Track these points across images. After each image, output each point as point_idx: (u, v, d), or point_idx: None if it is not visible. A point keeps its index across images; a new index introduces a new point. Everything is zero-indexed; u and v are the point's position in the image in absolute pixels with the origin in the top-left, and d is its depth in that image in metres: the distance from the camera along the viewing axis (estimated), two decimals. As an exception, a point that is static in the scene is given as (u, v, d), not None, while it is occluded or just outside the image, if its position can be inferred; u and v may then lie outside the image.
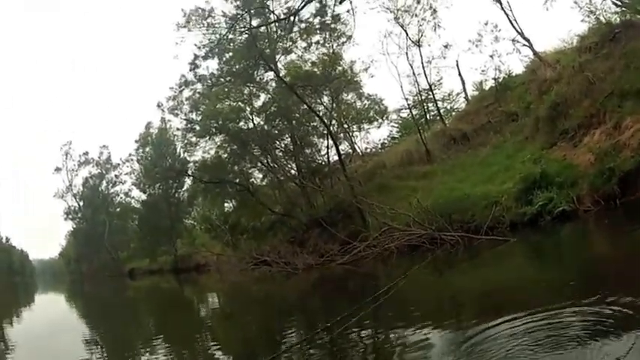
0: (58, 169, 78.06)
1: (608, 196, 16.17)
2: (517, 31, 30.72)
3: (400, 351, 7.50)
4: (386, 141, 47.69)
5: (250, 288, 26.39)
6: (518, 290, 9.78)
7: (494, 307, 8.57)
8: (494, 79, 35.88)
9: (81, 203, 79.26)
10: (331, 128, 35.57)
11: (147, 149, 59.86)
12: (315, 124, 36.71)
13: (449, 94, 46.23)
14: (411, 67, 38.86)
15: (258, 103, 38.49)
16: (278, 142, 38.84)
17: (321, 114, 35.15)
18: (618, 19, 25.01)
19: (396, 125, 48.18)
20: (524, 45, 31.21)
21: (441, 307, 10.71)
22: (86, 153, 77.76)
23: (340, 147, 37.06)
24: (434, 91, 41.96)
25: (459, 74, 40.89)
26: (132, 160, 65.95)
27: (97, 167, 77.70)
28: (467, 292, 11.35)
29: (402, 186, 28.94)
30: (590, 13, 28.67)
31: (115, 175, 76.49)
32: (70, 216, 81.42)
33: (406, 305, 10.90)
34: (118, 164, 74.92)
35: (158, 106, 39.68)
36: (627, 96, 18.02)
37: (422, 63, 38.30)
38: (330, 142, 35.56)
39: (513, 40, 32.09)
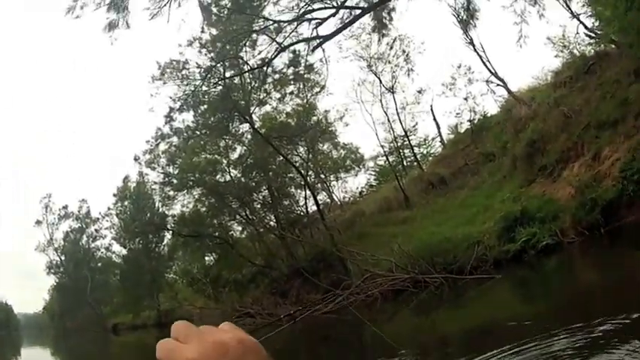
0: (38, 222, 76.82)
1: (591, 226, 16.05)
2: (491, 71, 31.14)
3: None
4: (364, 189, 47.48)
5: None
6: (501, 324, 9.70)
7: (478, 342, 8.38)
8: (470, 120, 36.19)
9: (62, 258, 78.11)
10: (308, 179, 35.61)
11: (125, 203, 59.40)
12: (292, 175, 36.65)
13: (425, 139, 46.34)
14: (386, 114, 39.18)
15: (234, 156, 38.50)
16: (256, 195, 38.60)
17: (297, 165, 35.16)
18: (592, 51, 25.32)
19: (374, 173, 48.19)
20: (498, 85, 31.65)
21: (426, 344, 10.49)
22: (65, 207, 76.43)
23: (318, 197, 37.06)
24: (409, 137, 42.17)
25: (434, 119, 41.10)
26: (111, 214, 65.17)
27: (77, 221, 76.58)
28: (451, 330, 11.19)
29: (382, 233, 28.65)
30: (563, 47, 29.13)
31: (95, 230, 74.92)
32: (52, 270, 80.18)
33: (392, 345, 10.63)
34: (98, 218, 73.33)
35: (135, 159, 39.36)
36: (604, 126, 18.11)
37: (396, 109, 38.68)
38: (308, 192, 35.47)
39: (487, 81, 32.58)
